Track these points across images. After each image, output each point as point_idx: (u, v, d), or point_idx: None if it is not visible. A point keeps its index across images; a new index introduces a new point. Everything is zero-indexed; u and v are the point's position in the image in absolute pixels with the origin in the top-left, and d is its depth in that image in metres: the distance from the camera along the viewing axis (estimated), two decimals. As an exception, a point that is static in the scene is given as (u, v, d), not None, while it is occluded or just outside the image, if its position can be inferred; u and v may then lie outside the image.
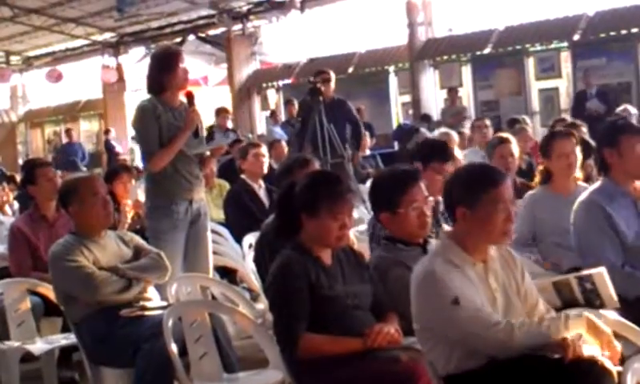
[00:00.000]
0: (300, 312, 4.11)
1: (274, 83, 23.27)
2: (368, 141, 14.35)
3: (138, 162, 15.54)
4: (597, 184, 5.30)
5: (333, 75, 11.44)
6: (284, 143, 12.44)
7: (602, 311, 4.26)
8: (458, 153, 6.68)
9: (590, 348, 3.65)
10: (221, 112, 15.30)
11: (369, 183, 12.01)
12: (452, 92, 18.39)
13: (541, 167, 6.20)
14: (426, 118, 17.88)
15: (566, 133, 6.27)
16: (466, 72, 19.64)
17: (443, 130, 11.42)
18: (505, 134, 7.69)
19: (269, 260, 4.91)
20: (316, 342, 4.10)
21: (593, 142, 7.02)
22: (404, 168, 4.70)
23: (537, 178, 6.26)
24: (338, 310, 4.18)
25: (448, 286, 3.63)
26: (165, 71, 6.28)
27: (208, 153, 6.55)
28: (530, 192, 6.18)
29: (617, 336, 3.88)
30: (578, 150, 6.00)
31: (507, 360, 3.55)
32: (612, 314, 4.21)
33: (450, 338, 3.69)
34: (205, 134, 6.61)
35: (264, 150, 8.72)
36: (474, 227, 3.73)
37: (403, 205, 4.37)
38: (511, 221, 3.75)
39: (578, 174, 6.07)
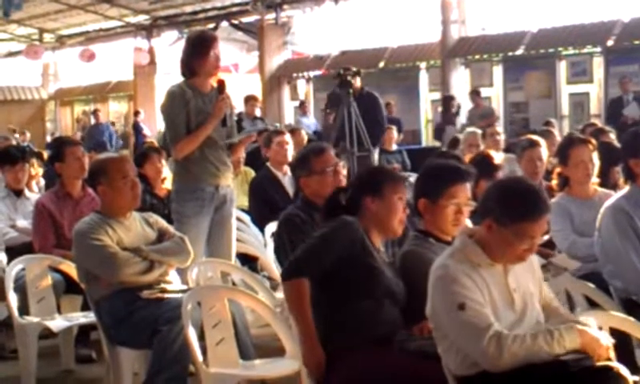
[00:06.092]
0: (322, 260, 4.11)
1: (305, 74, 23.29)
2: (395, 136, 14.30)
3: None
4: (624, 190, 5.28)
5: (357, 69, 11.38)
6: (303, 132, 12.36)
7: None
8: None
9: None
10: (250, 100, 15.30)
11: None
12: (475, 94, 18.05)
13: (558, 170, 6.11)
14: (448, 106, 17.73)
15: (583, 140, 6.17)
16: (497, 72, 19.60)
17: (471, 129, 11.34)
18: (535, 137, 7.59)
19: (290, 249, 4.92)
20: (299, 294, 4.08)
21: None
22: (458, 164, 4.65)
23: (553, 183, 6.19)
24: (382, 288, 4.16)
25: (457, 289, 3.57)
26: (197, 55, 6.27)
27: (237, 140, 6.54)
28: (553, 200, 6.11)
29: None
30: (596, 157, 5.92)
31: (523, 364, 3.51)
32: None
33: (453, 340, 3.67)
34: (235, 121, 6.57)
35: (287, 137, 8.67)
36: (496, 241, 3.65)
37: (444, 198, 4.31)
38: (532, 252, 3.70)
39: (595, 179, 5.98)
